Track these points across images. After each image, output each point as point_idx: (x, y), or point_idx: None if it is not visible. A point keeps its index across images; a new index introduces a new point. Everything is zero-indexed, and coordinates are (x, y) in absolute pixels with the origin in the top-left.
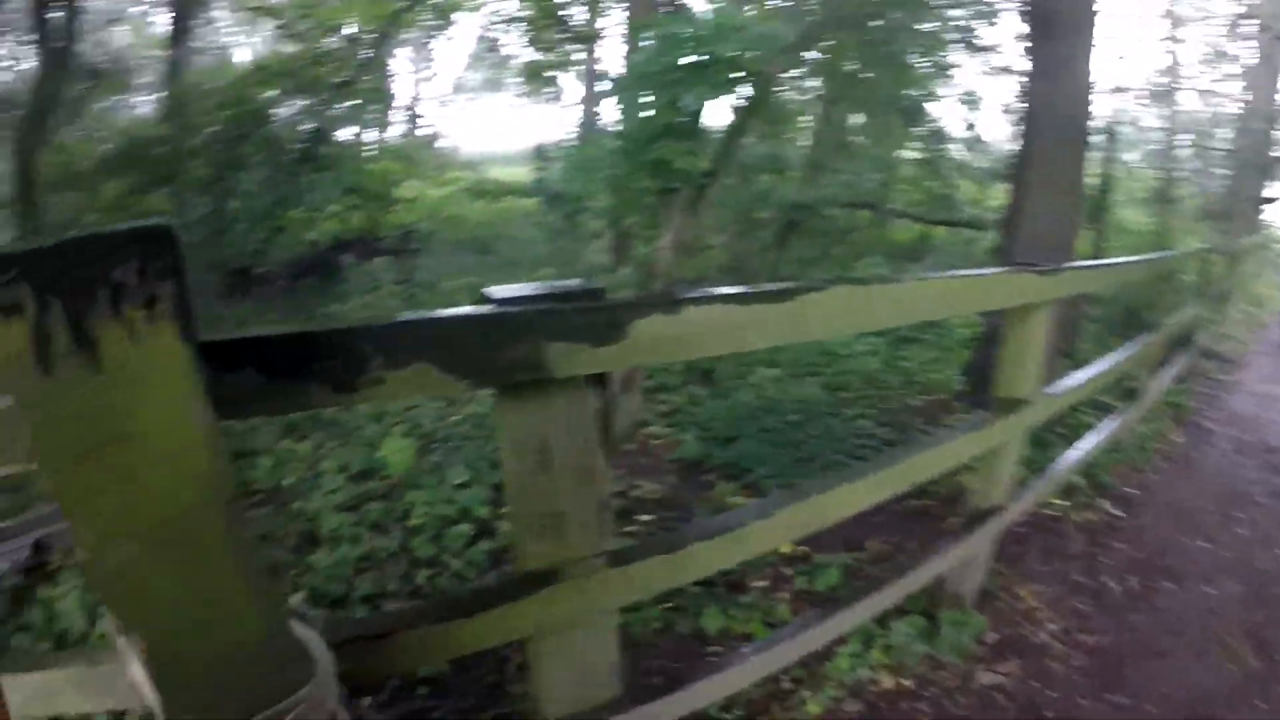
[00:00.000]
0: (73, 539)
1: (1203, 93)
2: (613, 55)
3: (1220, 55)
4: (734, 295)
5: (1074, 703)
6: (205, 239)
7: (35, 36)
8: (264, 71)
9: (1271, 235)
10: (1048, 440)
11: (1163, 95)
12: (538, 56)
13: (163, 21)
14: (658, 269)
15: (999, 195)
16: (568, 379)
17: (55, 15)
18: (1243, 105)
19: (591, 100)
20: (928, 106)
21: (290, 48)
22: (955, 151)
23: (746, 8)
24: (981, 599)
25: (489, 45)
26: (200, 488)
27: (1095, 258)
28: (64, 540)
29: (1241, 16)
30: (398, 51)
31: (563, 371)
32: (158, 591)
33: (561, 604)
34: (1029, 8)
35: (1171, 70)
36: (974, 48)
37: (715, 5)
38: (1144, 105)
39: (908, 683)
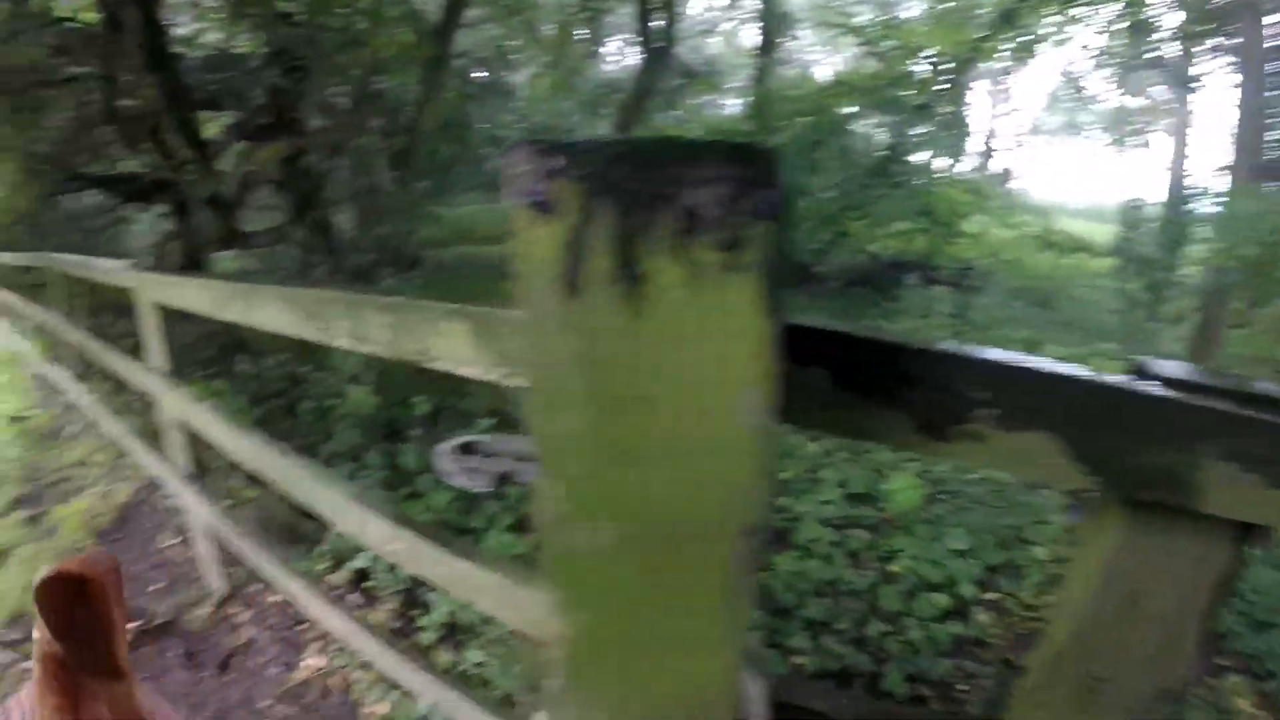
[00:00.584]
0: (538, 495)
1: None
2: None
3: None
4: None
5: None
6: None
7: (640, 38)
8: (844, 86)
9: None
10: None
11: None
12: (1126, 101)
13: (751, 35)
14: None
15: None
16: (1213, 518)
17: (656, 23)
18: None
19: (1180, 159)
20: None
21: (871, 66)
22: None
23: None
24: None
25: (1072, 85)
26: (726, 500)
27: None
28: (526, 477)
29: None
30: (975, 84)
31: (1213, 506)
32: (618, 593)
33: None
34: None
35: None
36: None
37: None
38: None
39: None
